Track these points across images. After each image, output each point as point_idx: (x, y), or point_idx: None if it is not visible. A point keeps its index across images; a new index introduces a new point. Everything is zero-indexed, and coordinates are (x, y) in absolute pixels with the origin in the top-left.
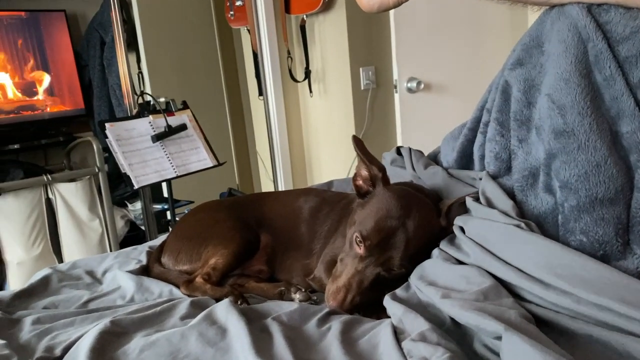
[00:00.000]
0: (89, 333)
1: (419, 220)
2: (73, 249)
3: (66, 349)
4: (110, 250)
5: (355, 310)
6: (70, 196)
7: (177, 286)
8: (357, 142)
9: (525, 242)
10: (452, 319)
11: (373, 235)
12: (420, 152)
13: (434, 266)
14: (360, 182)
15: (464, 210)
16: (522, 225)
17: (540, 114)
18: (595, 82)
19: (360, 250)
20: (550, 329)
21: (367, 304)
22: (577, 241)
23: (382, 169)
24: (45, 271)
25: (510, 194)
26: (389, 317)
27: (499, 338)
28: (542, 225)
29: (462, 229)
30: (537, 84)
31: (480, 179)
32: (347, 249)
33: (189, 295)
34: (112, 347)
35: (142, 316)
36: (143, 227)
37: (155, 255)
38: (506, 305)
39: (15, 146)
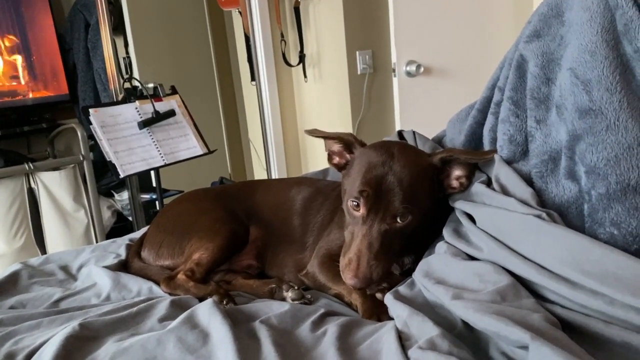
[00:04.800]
0: (54, 338)
1: (405, 159)
2: (57, 240)
3: (29, 356)
4: (97, 242)
5: (378, 281)
6: (53, 185)
7: (158, 283)
8: (312, 131)
9: (547, 235)
10: (465, 322)
11: (364, 189)
12: (425, 136)
13: (441, 262)
14: (336, 160)
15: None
16: (543, 215)
17: (562, 91)
18: (625, 54)
19: (359, 212)
20: (578, 335)
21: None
22: (607, 234)
23: (352, 135)
24: (14, 267)
25: (528, 180)
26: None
27: (523, 347)
28: (565, 216)
29: (470, 218)
30: (557, 57)
31: None
32: (349, 220)
33: (170, 294)
34: (79, 354)
35: (116, 318)
36: (130, 218)
37: (135, 249)
38: (527, 307)
39: None
